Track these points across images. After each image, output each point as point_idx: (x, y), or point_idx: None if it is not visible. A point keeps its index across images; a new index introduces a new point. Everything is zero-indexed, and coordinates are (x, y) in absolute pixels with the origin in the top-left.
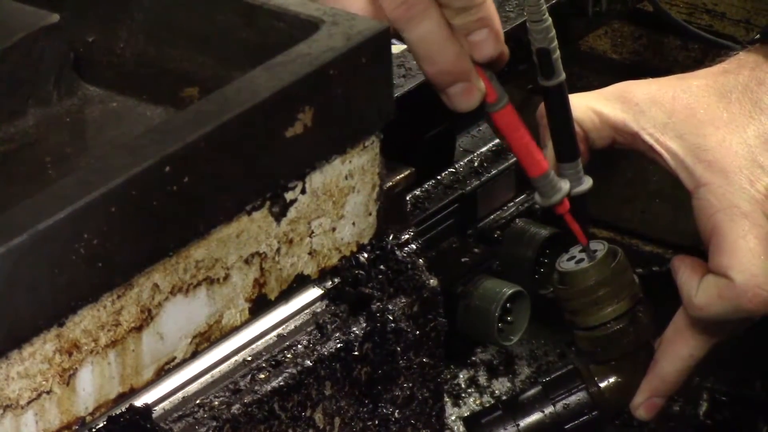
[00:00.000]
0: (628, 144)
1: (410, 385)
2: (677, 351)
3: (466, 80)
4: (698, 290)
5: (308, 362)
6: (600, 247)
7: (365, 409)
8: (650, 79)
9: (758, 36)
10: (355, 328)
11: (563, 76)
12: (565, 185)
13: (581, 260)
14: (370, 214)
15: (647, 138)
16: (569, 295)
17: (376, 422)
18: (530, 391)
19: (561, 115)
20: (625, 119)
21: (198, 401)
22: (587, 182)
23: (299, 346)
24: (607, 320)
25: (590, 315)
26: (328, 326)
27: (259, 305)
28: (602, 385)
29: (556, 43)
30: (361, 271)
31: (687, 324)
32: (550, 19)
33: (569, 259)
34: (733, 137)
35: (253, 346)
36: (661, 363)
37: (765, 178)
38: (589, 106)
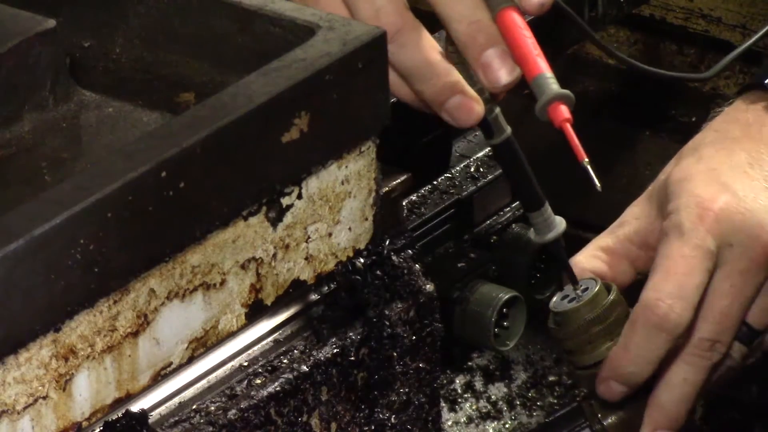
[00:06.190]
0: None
1: (406, 390)
2: (670, 379)
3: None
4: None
5: (304, 367)
6: (592, 285)
7: (361, 415)
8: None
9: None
10: (351, 334)
11: (508, 130)
12: (557, 89)
13: (574, 299)
14: (367, 219)
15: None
16: (564, 334)
17: (373, 427)
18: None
19: (515, 168)
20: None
21: (194, 406)
22: (559, 226)
23: (295, 351)
24: (603, 358)
25: (586, 353)
26: (325, 331)
27: (256, 310)
28: (606, 422)
29: (492, 103)
30: (357, 277)
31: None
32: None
33: (563, 299)
34: (696, 165)
35: (250, 351)
36: (658, 394)
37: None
38: (591, 268)
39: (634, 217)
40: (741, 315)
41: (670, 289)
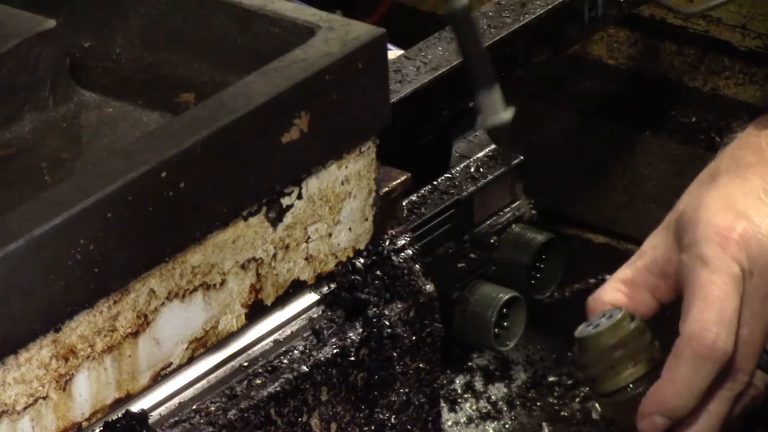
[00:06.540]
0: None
1: (406, 390)
2: (693, 411)
3: None
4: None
5: (304, 368)
6: (616, 313)
7: (361, 415)
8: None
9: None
10: (351, 334)
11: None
12: None
13: (598, 326)
14: (367, 220)
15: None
16: (587, 360)
17: (373, 427)
18: None
19: (469, 38)
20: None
21: (194, 407)
22: (506, 113)
23: (295, 351)
24: (626, 384)
25: (608, 380)
26: (325, 332)
27: (256, 311)
28: None
29: None
30: (357, 277)
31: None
32: None
33: (587, 326)
34: (711, 193)
35: (250, 351)
36: (683, 425)
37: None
38: (615, 296)
39: (651, 247)
40: (762, 343)
41: (713, 317)
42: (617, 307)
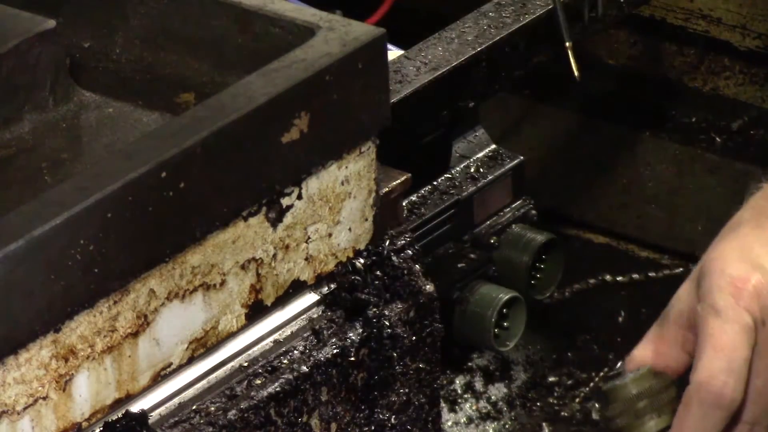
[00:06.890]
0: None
1: (406, 390)
2: None
3: None
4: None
5: (304, 368)
6: (642, 368)
7: (361, 415)
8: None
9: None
10: (351, 334)
11: None
12: None
13: (624, 378)
14: (367, 220)
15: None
16: (612, 413)
17: (373, 428)
18: None
19: None
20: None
21: (194, 407)
22: None
23: (295, 351)
24: None
25: (633, 430)
26: (325, 332)
27: (256, 311)
28: None
29: None
30: (357, 277)
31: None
32: None
33: (614, 381)
34: (730, 243)
35: (250, 351)
36: None
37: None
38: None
39: (677, 300)
40: None
41: (721, 365)
42: (646, 364)
